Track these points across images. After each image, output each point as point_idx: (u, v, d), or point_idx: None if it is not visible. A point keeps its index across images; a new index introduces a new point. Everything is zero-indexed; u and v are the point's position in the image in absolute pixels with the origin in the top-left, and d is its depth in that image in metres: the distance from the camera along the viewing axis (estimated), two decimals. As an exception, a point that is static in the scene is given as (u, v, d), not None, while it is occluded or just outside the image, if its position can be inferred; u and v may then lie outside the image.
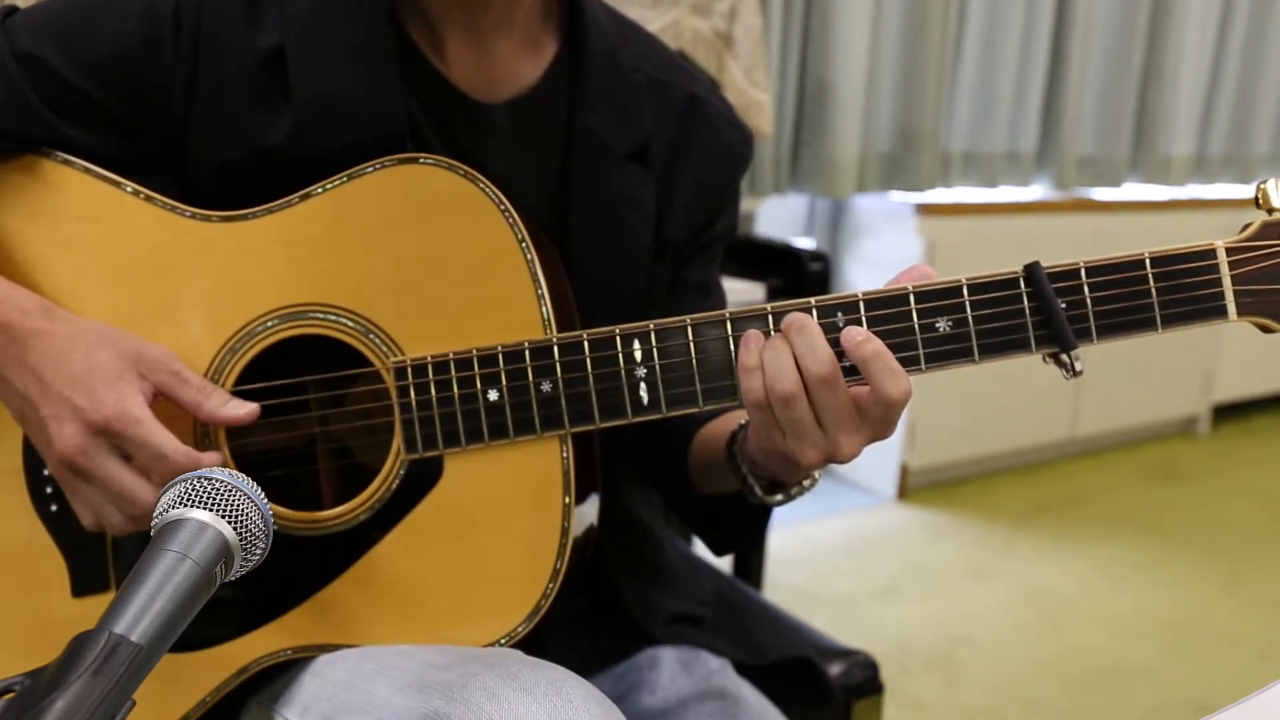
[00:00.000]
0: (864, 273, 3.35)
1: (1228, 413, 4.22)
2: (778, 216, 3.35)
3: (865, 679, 1.19)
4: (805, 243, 2.15)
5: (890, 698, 1.32)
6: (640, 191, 0.95)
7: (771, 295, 1.97)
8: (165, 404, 0.82)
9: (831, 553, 2.93)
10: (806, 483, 0.88)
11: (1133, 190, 3.87)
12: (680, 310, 0.87)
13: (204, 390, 0.82)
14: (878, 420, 0.77)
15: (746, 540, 0.98)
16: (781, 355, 0.76)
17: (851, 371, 0.77)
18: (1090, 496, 3.45)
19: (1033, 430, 3.59)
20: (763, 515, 0.96)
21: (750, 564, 1.97)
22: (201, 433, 0.85)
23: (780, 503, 0.90)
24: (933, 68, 3.16)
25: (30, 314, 0.81)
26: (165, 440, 0.79)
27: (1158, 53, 3.74)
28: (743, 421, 0.89)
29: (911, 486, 3.38)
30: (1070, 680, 2.35)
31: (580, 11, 0.94)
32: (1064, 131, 3.56)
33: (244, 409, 0.83)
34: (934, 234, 3.18)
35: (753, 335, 0.79)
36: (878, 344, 0.76)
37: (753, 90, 2.20)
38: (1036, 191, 3.64)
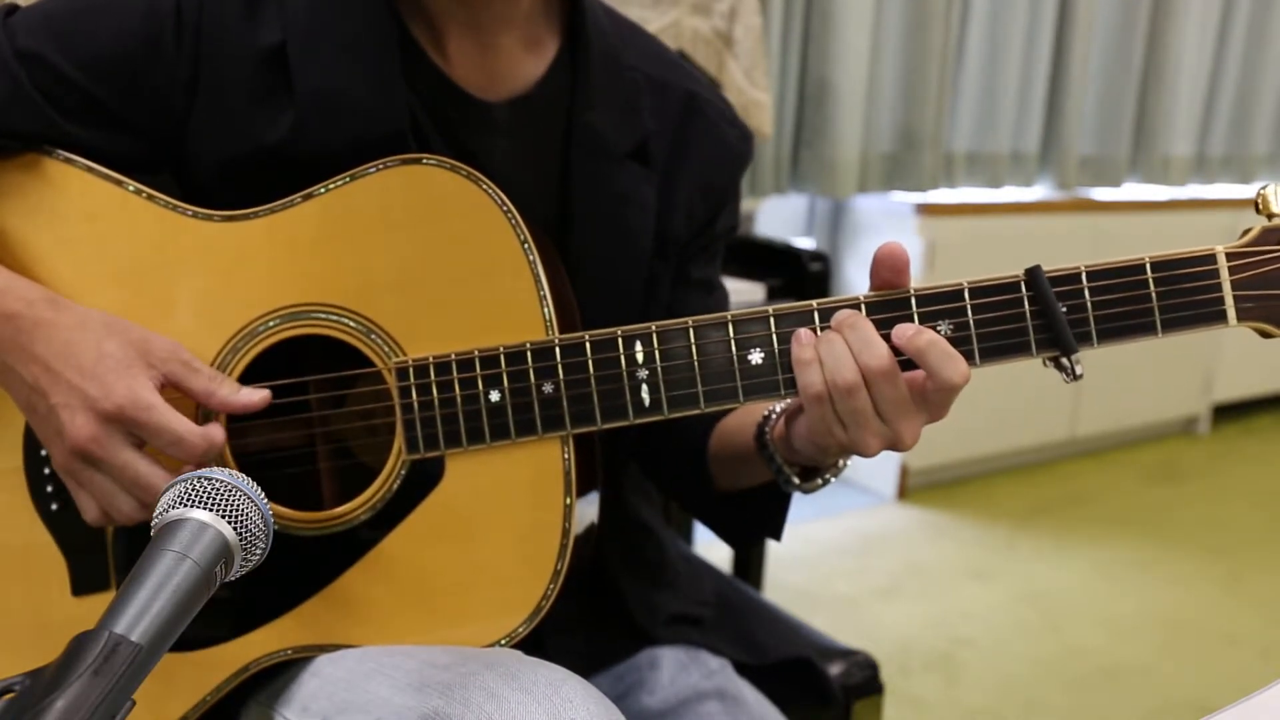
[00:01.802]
0: (864, 273, 3.33)
1: (1228, 413, 4.23)
2: (778, 216, 3.35)
3: (865, 679, 1.19)
4: (805, 243, 2.15)
5: (890, 698, 1.32)
6: (640, 190, 0.95)
7: (771, 295, 1.97)
8: (168, 393, 0.82)
9: (831, 553, 2.93)
10: (842, 463, 0.88)
11: (1133, 190, 3.88)
12: (684, 307, 0.87)
13: (215, 379, 0.82)
14: (936, 405, 0.78)
15: (768, 532, 0.98)
16: (838, 347, 0.77)
17: (906, 364, 0.77)
18: (1090, 496, 3.45)
19: (1033, 430, 3.59)
20: (783, 506, 0.96)
21: (750, 564, 1.98)
22: (203, 421, 0.85)
23: (816, 488, 0.90)
24: (934, 68, 3.16)
25: (35, 304, 0.81)
26: (180, 423, 0.79)
27: (1158, 53, 3.74)
28: (766, 412, 0.89)
29: (911, 486, 3.38)
30: (1070, 680, 2.35)
31: (581, 11, 0.94)
32: (1065, 132, 3.56)
33: (256, 395, 0.83)
34: (934, 234, 3.18)
35: (804, 332, 0.79)
36: (929, 333, 0.76)
37: (753, 90, 2.20)
38: (1036, 191, 3.64)
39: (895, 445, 0.78)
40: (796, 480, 0.89)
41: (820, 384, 0.77)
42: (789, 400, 0.85)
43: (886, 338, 0.77)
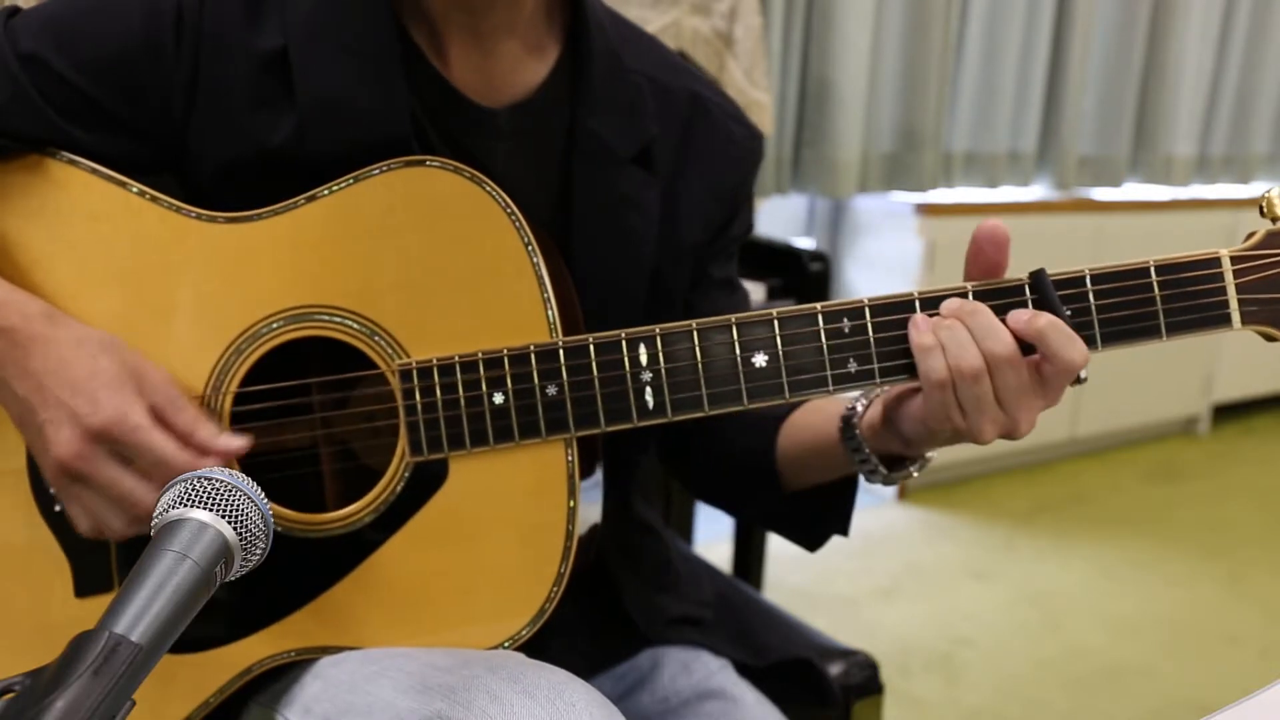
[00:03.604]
0: (864, 273, 3.35)
1: (1228, 413, 4.23)
2: (778, 216, 3.35)
3: (865, 679, 1.19)
4: (805, 243, 2.15)
5: (890, 698, 1.32)
6: (643, 194, 0.95)
7: (771, 295, 1.97)
8: None
9: (831, 553, 2.91)
10: (930, 454, 0.89)
11: (1133, 190, 3.87)
12: (711, 307, 0.87)
13: (196, 421, 0.81)
14: (1053, 390, 0.78)
15: (836, 527, 0.99)
16: (960, 333, 0.77)
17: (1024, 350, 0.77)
18: (1090, 496, 3.45)
19: (1033, 430, 3.58)
20: (850, 500, 0.97)
21: (750, 564, 1.98)
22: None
23: (904, 478, 0.90)
24: (934, 67, 3.16)
25: (34, 319, 0.81)
26: (165, 445, 0.79)
27: (1158, 53, 3.74)
28: (850, 404, 0.89)
29: (911, 486, 3.38)
30: (1071, 680, 2.35)
31: (583, 15, 0.94)
32: (1064, 131, 3.56)
33: (234, 443, 0.82)
34: (934, 234, 3.18)
35: (921, 318, 0.79)
36: (1047, 316, 0.77)
37: (753, 90, 2.20)
38: (1036, 191, 3.64)
39: (1011, 432, 0.79)
40: (884, 471, 0.89)
41: (944, 370, 0.77)
42: (877, 390, 0.84)
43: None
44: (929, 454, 0.88)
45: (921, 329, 0.78)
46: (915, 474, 0.90)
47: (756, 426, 0.99)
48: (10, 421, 0.84)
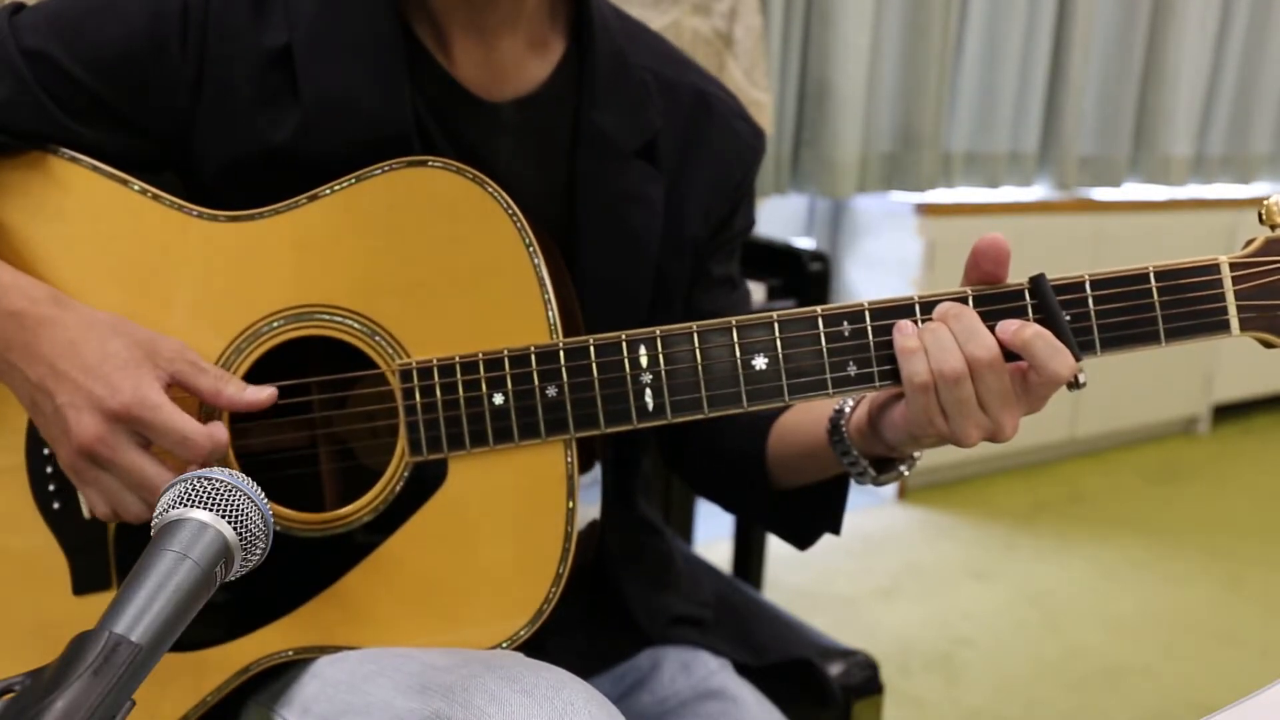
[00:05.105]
0: (864, 273, 3.35)
1: (1228, 413, 4.23)
2: (778, 216, 3.35)
3: (865, 679, 1.19)
4: (805, 243, 2.15)
5: (890, 698, 1.32)
6: (648, 189, 0.95)
7: (771, 295, 1.97)
8: (173, 393, 0.82)
9: (831, 553, 2.93)
10: (917, 455, 0.89)
11: (1132, 190, 3.87)
12: (711, 305, 0.86)
13: (221, 378, 0.82)
14: (1037, 398, 0.79)
15: (828, 526, 0.99)
16: (943, 336, 0.77)
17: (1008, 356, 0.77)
18: (1090, 496, 3.45)
19: (1033, 430, 3.57)
20: (842, 499, 0.96)
21: (750, 564, 1.98)
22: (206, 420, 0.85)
23: (893, 479, 0.90)
24: (934, 67, 3.16)
25: (40, 302, 0.81)
26: (186, 423, 0.79)
27: (1158, 53, 3.74)
28: (838, 405, 0.89)
29: (911, 486, 3.38)
30: (1070, 680, 2.36)
31: (587, 10, 0.94)
32: (1065, 132, 3.56)
33: (262, 393, 0.83)
34: (934, 234, 3.18)
35: (906, 323, 0.79)
36: (1034, 327, 0.77)
37: (753, 90, 2.20)
38: (1036, 191, 3.64)
39: (995, 436, 0.79)
40: (873, 473, 0.89)
41: (926, 373, 0.77)
42: (865, 394, 0.84)
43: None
44: (916, 454, 0.88)
45: (906, 332, 0.79)
46: (905, 473, 0.90)
47: (748, 428, 0.99)
48: (6, 418, 0.84)
